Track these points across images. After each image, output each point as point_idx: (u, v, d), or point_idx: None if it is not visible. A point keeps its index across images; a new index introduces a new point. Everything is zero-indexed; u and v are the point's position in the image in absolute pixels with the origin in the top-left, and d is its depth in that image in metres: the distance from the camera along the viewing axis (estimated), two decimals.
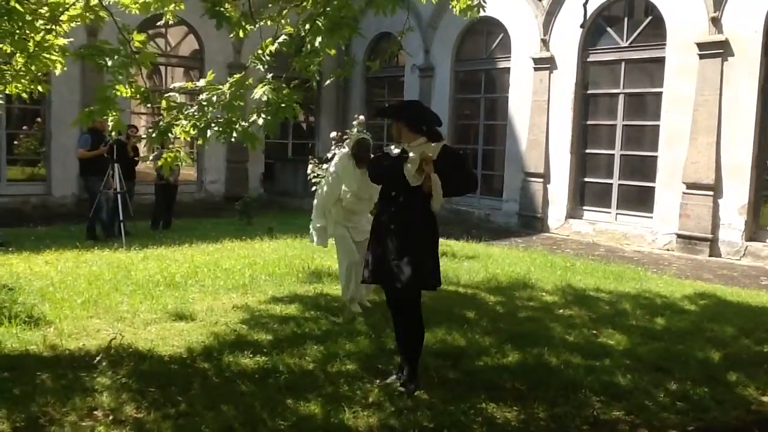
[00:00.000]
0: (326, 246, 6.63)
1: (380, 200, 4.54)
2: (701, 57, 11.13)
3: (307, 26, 5.48)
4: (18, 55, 5.15)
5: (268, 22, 5.98)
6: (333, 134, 10.26)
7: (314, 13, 5.55)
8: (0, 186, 13.64)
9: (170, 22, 6.30)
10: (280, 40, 5.52)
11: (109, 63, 4.99)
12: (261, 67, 5.63)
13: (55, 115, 13.79)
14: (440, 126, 4.51)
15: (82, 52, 5.19)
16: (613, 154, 12.71)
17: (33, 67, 5.36)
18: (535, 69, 13.58)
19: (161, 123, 5.21)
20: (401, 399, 4.19)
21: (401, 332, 4.50)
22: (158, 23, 7.22)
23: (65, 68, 5.48)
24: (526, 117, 13.79)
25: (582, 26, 8.54)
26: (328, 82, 7.62)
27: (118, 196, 10.09)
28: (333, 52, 5.70)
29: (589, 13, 11.47)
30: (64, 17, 5.24)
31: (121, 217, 10.00)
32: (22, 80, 5.53)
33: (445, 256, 9.21)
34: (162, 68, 17.38)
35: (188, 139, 5.31)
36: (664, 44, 11.74)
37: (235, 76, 5.23)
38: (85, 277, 7.31)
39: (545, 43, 13.37)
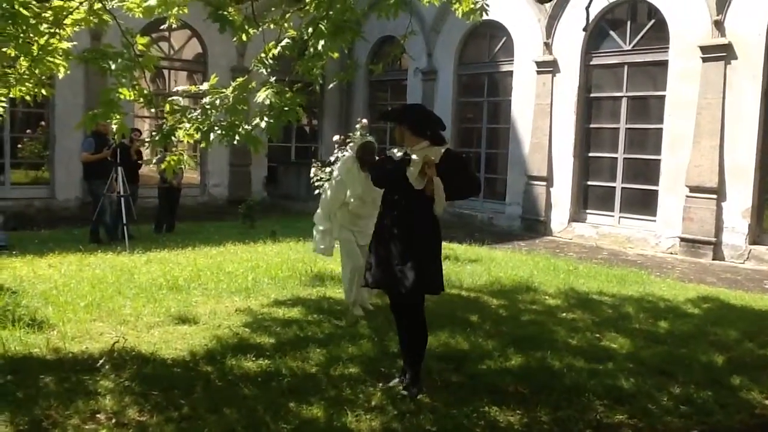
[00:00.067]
0: (330, 255, 6.62)
1: (383, 204, 4.53)
2: (704, 60, 11.12)
3: (310, 30, 5.49)
4: (22, 58, 5.16)
5: (271, 26, 5.99)
6: (336, 137, 10.27)
7: (317, 17, 5.56)
8: (4, 189, 13.67)
9: (174, 26, 6.31)
10: (283, 43, 5.53)
11: (113, 66, 5.01)
12: (264, 70, 5.65)
13: (58, 118, 13.83)
14: (444, 130, 4.51)
15: (85, 56, 5.20)
16: (616, 158, 12.70)
17: (37, 71, 5.37)
18: (538, 72, 13.58)
19: (164, 126, 5.22)
20: (404, 402, 4.18)
21: (404, 336, 4.50)
22: (162, 27, 7.24)
23: (68, 72, 5.49)
24: (529, 120, 13.79)
25: (585, 29, 8.53)
26: (331, 85, 7.63)
27: (122, 199, 10.11)
28: (336, 55, 5.70)
29: (591, 17, 11.46)
30: (67, 21, 5.25)
31: (124, 221, 10.02)
32: (26, 84, 5.54)
33: (448, 259, 9.20)
34: (165, 72, 17.41)
35: (191, 142, 5.31)
36: (667, 47, 11.73)
37: (238, 79, 5.23)
38: (88, 281, 7.32)
39: (548, 46, 13.38)
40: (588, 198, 13.31)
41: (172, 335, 5.51)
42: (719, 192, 11.00)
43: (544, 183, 13.54)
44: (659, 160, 11.95)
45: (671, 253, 11.53)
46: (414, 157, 4.31)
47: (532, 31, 13.67)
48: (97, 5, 5.35)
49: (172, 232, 11.65)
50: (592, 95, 13.15)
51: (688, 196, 11.35)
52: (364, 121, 10.11)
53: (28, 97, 5.69)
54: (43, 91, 5.75)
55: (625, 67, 12.51)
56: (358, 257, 6.16)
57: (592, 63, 12.98)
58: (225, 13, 5.41)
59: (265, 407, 4.03)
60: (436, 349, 5.22)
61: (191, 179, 15.95)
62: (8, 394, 4.12)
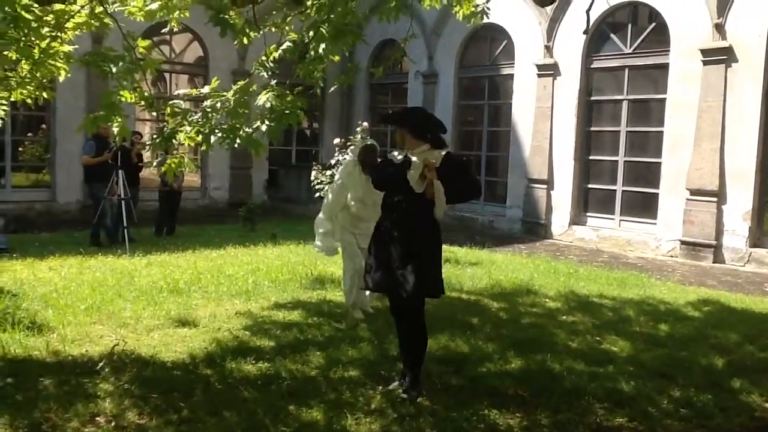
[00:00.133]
0: (331, 254, 6.62)
1: (383, 207, 4.53)
2: (705, 63, 11.13)
3: (311, 33, 5.51)
4: (23, 61, 5.17)
5: (273, 29, 6.01)
6: (337, 141, 10.28)
7: (318, 20, 5.58)
8: (5, 192, 13.69)
9: (175, 30, 6.33)
10: (284, 46, 5.54)
11: (114, 69, 5.02)
12: (265, 73, 5.66)
13: (59, 121, 13.85)
14: (444, 133, 4.51)
15: (87, 59, 5.21)
16: (617, 161, 12.70)
17: (38, 74, 5.38)
18: (539, 75, 13.59)
19: (165, 129, 5.23)
20: (404, 405, 4.18)
21: (404, 339, 4.50)
22: (163, 30, 7.28)
23: (69, 75, 5.50)
24: (530, 123, 13.80)
25: (585, 33, 8.56)
26: (332, 88, 7.66)
27: (122, 202, 10.12)
28: (337, 58, 5.72)
29: (592, 20, 11.47)
30: (69, 24, 5.26)
31: (124, 224, 10.03)
32: (28, 87, 5.55)
33: (449, 262, 9.21)
34: (167, 75, 17.43)
35: (192, 145, 5.32)
36: (668, 50, 11.74)
37: (239, 82, 5.25)
38: (88, 284, 7.33)
39: (549, 49, 13.39)
40: (588, 201, 13.31)
41: (172, 338, 5.51)
42: (720, 195, 11.00)
43: (545, 186, 13.54)
44: (660, 163, 11.95)
45: (672, 256, 11.53)
46: (414, 159, 4.31)
47: (532, 34, 13.68)
48: (99, 9, 5.36)
49: (172, 235, 11.65)
50: (592, 98, 13.16)
51: (688, 199, 11.35)
52: (365, 124, 10.12)
53: (29, 100, 5.70)
54: (44, 94, 5.76)
55: (626, 70, 12.52)
56: (359, 260, 6.16)
57: (592, 66, 12.99)
58: (226, 16, 5.43)
59: (264, 410, 4.03)
60: (436, 351, 5.21)
61: (192, 182, 15.96)
62: (8, 397, 4.12)
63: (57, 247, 9.72)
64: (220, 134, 5.08)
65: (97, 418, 3.89)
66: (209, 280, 7.72)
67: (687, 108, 11.35)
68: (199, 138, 5.09)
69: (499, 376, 4.79)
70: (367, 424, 3.93)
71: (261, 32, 5.73)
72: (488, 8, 7.31)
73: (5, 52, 5.05)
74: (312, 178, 9.87)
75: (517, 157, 14.17)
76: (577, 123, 13.04)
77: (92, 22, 5.41)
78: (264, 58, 5.64)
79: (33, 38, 4.95)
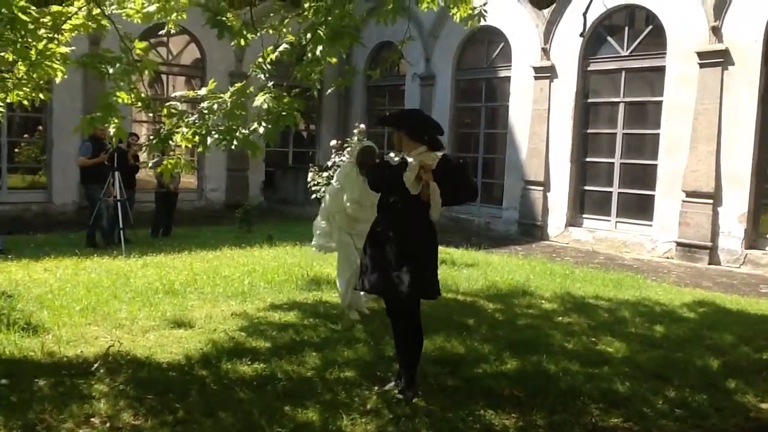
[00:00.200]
0: (325, 252, 6.63)
1: (379, 208, 4.54)
2: (701, 66, 11.17)
3: (309, 35, 5.52)
4: (20, 63, 5.17)
5: (270, 31, 6.01)
6: (333, 142, 10.31)
7: (316, 22, 5.59)
8: (1, 193, 13.66)
9: (172, 31, 6.33)
10: (281, 48, 5.55)
11: (111, 71, 5.02)
12: (262, 75, 5.67)
13: (56, 123, 13.83)
14: (442, 135, 4.51)
15: (84, 60, 5.22)
16: (613, 163, 12.73)
17: (35, 75, 5.38)
18: (536, 78, 13.62)
19: (162, 130, 5.23)
20: (399, 406, 4.18)
21: (400, 340, 4.50)
22: (160, 32, 7.25)
23: (66, 76, 5.50)
24: (527, 126, 13.82)
25: (582, 35, 8.58)
26: (329, 90, 7.66)
27: (118, 203, 10.11)
28: (334, 60, 5.73)
29: (589, 23, 11.49)
30: (66, 26, 5.26)
31: (121, 225, 10.02)
32: (24, 88, 5.55)
33: (445, 263, 9.21)
34: (164, 77, 17.44)
35: (189, 146, 5.32)
36: (665, 53, 11.78)
37: (236, 84, 5.25)
38: (84, 285, 7.32)
39: (546, 52, 13.42)
40: (585, 203, 13.33)
41: (168, 339, 5.51)
42: (715, 197, 11.03)
43: (541, 188, 13.56)
44: (656, 165, 11.98)
45: (667, 258, 11.56)
46: (411, 161, 4.32)
47: (529, 36, 13.71)
48: (96, 11, 5.36)
49: (168, 236, 11.64)
50: (589, 101, 13.19)
51: (684, 201, 11.38)
52: (362, 126, 10.15)
53: (25, 102, 5.70)
54: (41, 96, 5.76)
55: (623, 73, 12.56)
56: (356, 261, 6.16)
57: (589, 69, 13.02)
58: (223, 18, 5.43)
59: (260, 411, 4.03)
60: (431, 352, 5.22)
61: (188, 184, 15.95)
62: (2, 398, 4.11)
63: (53, 248, 9.70)
64: (216, 136, 5.08)
65: (92, 419, 3.89)
66: (205, 281, 7.71)
67: (683, 110, 11.39)
68: (196, 139, 5.10)
69: (495, 377, 4.79)
70: (362, 425, 3.93)
71: (258, 34, 5.74)
72: (485, 11, 7.33)
73: (2, 54, 5.06)
74: (309, 179, 9.89)
75: (513, 159, 14.20)
76: (573, 125, 13.06)
77: (89, 23, 5.41)
78: (261, 60, 5.65)
79: (30, 39, 4.95)
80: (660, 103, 11.92)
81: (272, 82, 5.34)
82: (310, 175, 10.03)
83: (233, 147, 5.12)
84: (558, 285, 8.37)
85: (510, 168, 14.30)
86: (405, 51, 7.69)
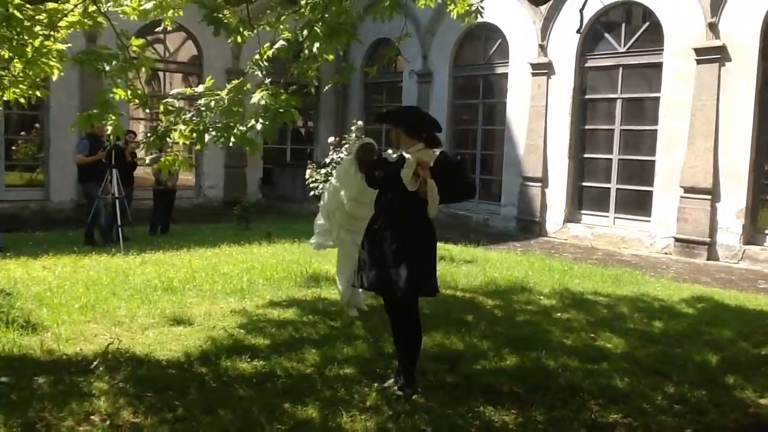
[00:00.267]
0: (322, 249, 6.64)
1: (376, 205, 4.53)
2: (699, 62, 11.17)
3: (306, 32, 5.49)
4: (16, 60, 5.15)
5: (267, 28, 6.00)
6: (331, 139, 10.29)
7: (312, 19, 5.57)
8: None
9: (169, 29, 6.31)
10: (278, 45, 5.53)
11: (107, 68, 5.00)
12: (259, 72, 5.65)
13: (53, 120, 13.80)
14: (439, 132, 4.51)
15: (80, 58, 5.19)
16: (611, 159, 12.74)
17: (31, 73, 5.36)
18: (533, 74, 13.62)
19: (159, 128, 5.21)
20: (399, 403, 4.19)
21: (399, 337, 4.50)
22: (157, 29, 7.25)
23: (62, 74, 5.48)
24: (524, 122, 13.82)
25: (578, 32, 8.58)
26: (326, 87, 7.64)
27: (116, 201, 10.10)
28: (331, 57, 5.71)
29: (586, 19, 11.47)
30: (62, 23, 5.24)
31: (119, 223, 10.01)
32: (20, 86, 5.53)
33: (444, 260, 9.22)
34: (161, 74, 17.40)
35: (187, 143, 5.30)
36: (662, 49, 11.78)
37: (233, 81, 5.23)
38: (82, 282, 7.31)
39: (543, 48, 13.41)
40: (583, 199, 13.34)
41: (167, 336, 5.50)
42: (713, 193, 11.04)
43: (539, 184, 13.57)
44: (654, 161, 11.99)
45: (666, 254, 11.57)
46: (408, 157, 4.31)
47: (527, 33, 13.70)
48: (92, 8, 5.35)
49: (167, 233, 11.64)
50: (587, 97, 13.20)
51: (682, 197, 11.39)
52: (360, 123, 10.13)
53: (22, 100, 5.68)
54: (38, 93, 5.74)
55: (620, 69, 12.56)
56: (355, 258, 6.14)
57: (587, 65, 13.02)
58: (220, 15, 5.41)
59: (260, 408, 4.03)
60: (431, 349, 5.22)
61: (186, 181, 15.93)
62: (2, 396, 4.11)
63: (51, 246, 9.69)
64: (214, 133, 5.06)
65: (92, 417, 3.89)
66: (204, 278, 7.71)
67: (681, 107, 11.39)
68: (194, 136, 5.08)
69: (494, 374, 4.80)
70: (362, 422, 3.93)
71: (255, 31, 5.72)
72: (482, 7, 7.32)
73: None
74: (307, 176, 9.87)
75: (511, 155, 14.20)
76: (571, 121, 13.07)
77: (85, 21, 5.39)
78: (258, 57, 5.63)
79: (26, 37, 4.92)
80: (657, 99, 11.93)
81: (269, 79, 5.32)
82: (308, 172, 10.01)
83: (231, 144, 5.10)
84: (556, 281, 8.38)
85: (508, 164, 14.30)
86: (402, 48, 7.69)
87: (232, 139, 5.04)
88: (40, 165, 14.54)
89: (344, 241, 6.31)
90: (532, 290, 7.79)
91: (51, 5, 5.17)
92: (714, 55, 10.98)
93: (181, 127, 5.07)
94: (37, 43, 5.04)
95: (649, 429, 4.05)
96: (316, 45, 5.40)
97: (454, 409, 4.12)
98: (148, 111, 10.83)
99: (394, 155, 4.49)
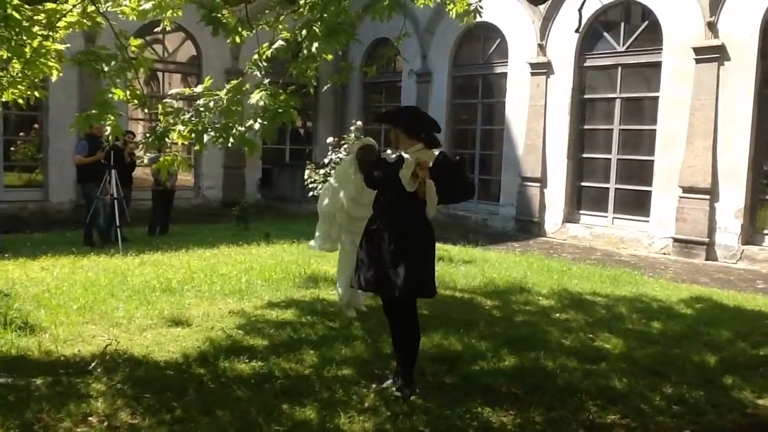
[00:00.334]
0: (328, 250, 6.64)
1: (375, 205, 4.53)
2: (697, 61, 11.18)
3: (304, 32, 5.49)
4: (15, 61, 5.15)
5: (266, 28, 5.99)
6: (330, 139, 10.29)
7: (311, 19, 5.56)
8: None
9: (168, 29, 6.30)
10: (277, 45, 5.52)
11: (106, 69, 5.00)
12: (258, 72, 5.64)
13: (52, 121, 13.79)
14: (438, 132, 4.50)
15: (79, 58, 5.18)
16: (610, 159, 12.74)
17: (29, 74, 5.35)
18: (532, 74, 13.62)
19: (158, 128, 5.21)
20: (397, 404, 4.18)
21: (397, 337, 4.50)
22: (156, 29, 7.24)
23: (61, 74, 5.47)
24: (523, 122, 13.82)
25: (577, 31, 8.59)
26: (325, 87, 7.64)
27: (115, 201, 10.09)
28: (330, 57, 5.71)
29: (585, 18, 11.50)
30: (61, 24, 5.24)
31: (117, 223, 10.00)
32: (19, 86, 5.52)
33: (442, 260, 9.22)
34: (160, 74, 17.37)
35: (185, 143, 5.30)
36: (661, 49, 11.78)
37: (232, 81, 5.23)
38: (81, 283, 7.30)
39: (542, 48, 13.41)
40: (582, 199, 13.35)
41: (165, 338, 5.50)
42: (712, 192, 11.05)
43: (538, 184, 13.57)
44: (653, 160, 12.00)
45: (664, 254, 11.57)
46: (407, 157, 4.31)
47: (526, 32, 13.70)
48: (91, 8, 5.34)
49: (165, 234, 11.63)
50: (585, 96, 13.20)
51: (681, 197, 11.40)
52: (359, 123, 10.13)
53: (21, 100, 5.67)
54: (36, 94, 5.73)
55: (619, 69, 12.56)
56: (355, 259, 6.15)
57: (585, 64, 13.02)
58: (218, 15, 5.41)
59: (258, 409, 4.03)
60: (429, 350, 5.22)
61: (185, 181, 15.92)
62: (0, 397, 4.10)
63: (49, 246, 9.68)
64: (213, 133, 5.06)
65: (90, 418, 3.88)
66: (202, 279, 7.70)
67: (680, 106, 11.40)
68: (192, 137, 5.08)
69: (493, 374, 4.80)
70: (360, 423, 3.93)
71: (254, 31, 5.72)
72: (481, 7, 7.33)
73: None
74: (306, 176, 9.87)
75: (510, 155, 14.20)
76: (570, 121, 13.07)
77: (84, 21, 5.39)
78: (257, 57, 5.63)
79: (24, 37, 4.92)
80: (656, 98, 11.94)
81: (268, 80, 5.32)
82: (307, 172, 10.02)
83: (230, 145, 5.10)
84: (555, 281, 8.38)
85: (507, 164, 14.30)
86: (401, 47, 7.70)
87: (231, 139, 5.03)
88: (38, 165, 14.52)
89: (346, 242, 6.30)
90: (530, 291, 7.79)
91: (50, 5, 5.17)
92: (713, 55, 10.98)
93: (180, 127, 5.07)
94: (35, 43, 5.04)
95: (647, 429, 4.05)
96: (315, 45, 5.40)
97: (452, 409, 4.12)
98: (147, 111, 10.81)
99: (393, 155, 4.49)
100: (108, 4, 5.45)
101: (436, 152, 4.38)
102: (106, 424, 3.81)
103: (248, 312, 6.39)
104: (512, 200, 14.12)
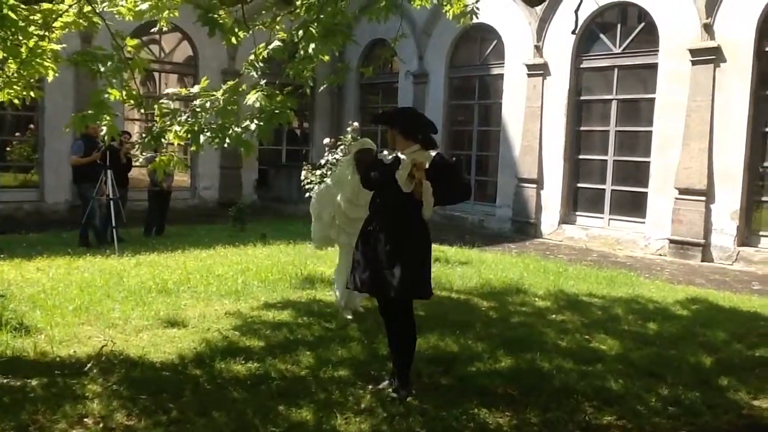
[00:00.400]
0: (321, 247, 6.64)
1: (371, 206, 4.53)
2: (693, 63, 11.20)
3: (301, 33, 5.49)
4: (10, 61, 5.13)
5: (263, 29, 5.99)
6: (327, 140, 10.27)
7: (308, 20, 5.57)
8: None
9: (164, 29, 6.30)
10: (273, 46, 5.52)
11: (102, 69, 4.99)
12: (255, 73, 5.64)
13: (48, 121, 13.76)
14: (435, 133, 4.50)
15: (75, 58, 5.18)
16: (606, 160, 12.76)
17: (25, 74, 5.34)
18: (529, 75, 13.63)
19: (154, 128, 5.20)
20: (393, 405, 4.18)
21: (393, 338, 4.50)
22: (152, 30, 7.23)
23: (57, 74, 5.46)
24: (520, 123, 13.84)
25: (573, 32, 8.60)
26: (321, 88, 7.65)
27: (111, 202, 10.07)
28: (327, 58, 5.71)
29: (582, 20, 11.52)
30: (57, 24, 5.23)
31: (113, 224, 9.97)
32: (15, 86, 5.51)
33: (439, 261, 9.22)
34: (156, 75, 17.35)
35: (182, 144, 5.29)
36: (657, 50, 11.81)
37: (229, 82, 5.23)
38: (76, 284, 7.28)
39: (539, 49, 13.43)
40: (578, 200, 13.37)
41: (161, 339, 5.49)
42: (708, 194, 11.07)
43: (535, 185, 13.59)
44: (649, 162, 12.02)
45: (660, 255, 11.59)
46: (403, 157, 4.31)
47: (522, 34, 13.72)
48: (87, 8, 5.33)
49: (161, 235, 11.61)
50: (582, 98, 13.22)
51: (677, 198, 11.42)
52: (356, 124, 10.12)
53: (16, 101, 5.65)
54: (32, 94, 5.72)
55: (615, 70, 12.59)
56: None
57: (582, 66, 13.04)
58: (215, 16, 5.40)
59: (254, 410, 4.02)
60: (425, 351, 5.22)
61: (182, 182, 15.89)
62: None
63: (45, 247, 9.66)
64: (209, 134, 5.05)
65: (85, 420, 3.87)
66: (198, 280, 7.69)
67: (676, 108, 11.42)
68: (189, 137, 5.07)
69: (489, 375, 4.79)
70: (356, 424, 3.93)
71: (250, 32, 5.72)
72: (477, 8, 7.33)
73: None
74: (302, 177, 9.85)
75: (507, 156, 14.21)
76: (566, 122, 13.09)
77: (80, 21, 5.38)
78: (253, 57, 5.62)
79: (20, 37, 4.91)
80: (652, 100, 11.96)
81: (265, 80, 5.31)
82: (303, 173, 9.99)
83: (226, 145, 5.09)
84: (551, 283, 8.38)
85: (503, 165, 14.31)
86: (398, 48, 7.68)
87: (227, 140, 5.03)
88: (34, 166, 14.49)
89: (344, 242, 6.29)
90: (527, 292, 7.80)
91: (46, 5, 5.16)
92: (709, 56, 11.01)
93: (177, 128, 5.06)
94: (31, 43, 5.03)
95: (643, 431, 4.05)
96: (312, 46, 5.40)
97: (448, 411, 4.12)
98: (143, 112, 10.77)
99: (390, 156, 4.48)
100: (104, 4, 5.44)
101: (433, 153, 4.38)
102: (101, 425, 3.80)
103: (244, 313, 6.38)
104: (509, 201, 14.13)
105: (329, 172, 8.76)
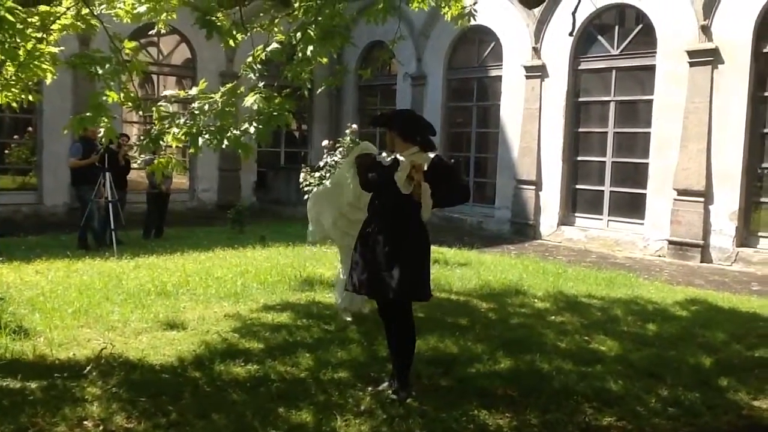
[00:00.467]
0: (321, 241, 6.64)
1: (370, 208, 4.53)
2: (691, 65, 11.22)
3: (299, 35, 5.50)
4: (8, 64, 5.13)
5: (260, 31, 5.99)
6: (325, 142, 10.28)
7: (306, 22, 5.57)
8: None
9: (162, 31, 6.30)
10: (271, 48, 5.52)
11: (100, 71, 4.99)
12: (253, 75, 5.64)
13: (46, 123, 13.76)
14: (434, 135, 4.50)
15: (73, 61, 5.18)
16: (605, 161, 12.78)
17: (23, 76, 5.33)
18: (527, 77, 13.65)
19: (153, 131, 5.20)
20: (393, 407, 4.18)
21: (393, 340, 4.49)
22: (150, 32, 7.21)
23: (55, 77, 5.46)
24: (518, 125, 13.85)
25: (571, 34, 8.60)
26: (320, 90, 7.64)
27: (110, 204, 10.06)
28: (325, 60, 5.71)
29: (579, 22, 11.53)
30: (55, 26, 5.22)
31: (112, 226, 9.96)
32: (13, 89, 5.50)
33: (438, 263, 9.22)
34: (154, 77, 17.37)
35: (180, 146, 5.29)
36: (655, 52, 11.83)
37: (227, 84, 5.23)
38: (75, 287, 7.27)
39: (537, 51, 13.45)
40: (577, 201, 13.37)
41: (160, 341, 5.48)
42: (707, 195, 11.08)
43: (533, 187, 13.60)
44: (647, 163, 12.03)
45: (659, 256, 11.60)
46: (402, 159, 4.31)
47: (520, 35, 13.73)
48: (85, 11, 5.33)
49: (160, 237, 11.60)
50: (580, 99, 13.23)
51: (675, 199, 11.43)
52: (354, 126, 10.13)
53: (14, 103, 5.65)
54: (30, 97, 5.71)
55: (613, 72, 12.60)
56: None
57: (580, 67, 13.06)
58: (213, 18, 5.40)
59: (253, 413, 4.02)
60: (425, 353, 5.22)
61: (180, 184, 15.89)
62: None
63: (44, 250, 9.65)
64: (207, 136, 5.05)
65: (85, 422, 3.86)
66: (198, 282, 7.68)
67: (674, 109, 11.44)
68: (187, 140, 5.07)
69: (489, 377, 4.79)
70: (356, 426, 3.92)
71: (248, 34, 5.71)
72: (475, 10, 7.34)
73: None
74: (301, 179, 9.86)
75: (505, 158, 14.22)
76: (565, 124, 13.10)
77: (78, 23, 5.38)
78: (251, 59, 5.62)
79: (18, 40, 4.90)
80: (651, 101, 11.98)
81: (263, 83, 5.31)
82: (302, 175, 10.00)
83: (224, 147, 5.09)
84: (551, 284, 8.39)
85: (502, 167, 14.32)
86: (396, 50, 7.70)
87: (226, 142, 5.03)
88: (33, 168, 14.48)
89: (345, 246, 6.27)
90: (526, 293, 7.80)
91: (43, 8, 5.15)
92: (707, 58, 11.03)
93: (175, 130, 5.06)
94: (29, 46, 5.02)
95: (643, 431, 4.05)
96: (310, 48, 5.41)
97: (448, 412, 4.12)
98: (141, 114, 10.79)
99: (389, 158, 4.48)
100: (102, 6, 5.44)
101: (432, 155, 4.38)
102: (101, 428, 3.80)
103: (243, 315, 6.38)
104: (507, 203, 14.13)
105: (328, 174, 8.76)
